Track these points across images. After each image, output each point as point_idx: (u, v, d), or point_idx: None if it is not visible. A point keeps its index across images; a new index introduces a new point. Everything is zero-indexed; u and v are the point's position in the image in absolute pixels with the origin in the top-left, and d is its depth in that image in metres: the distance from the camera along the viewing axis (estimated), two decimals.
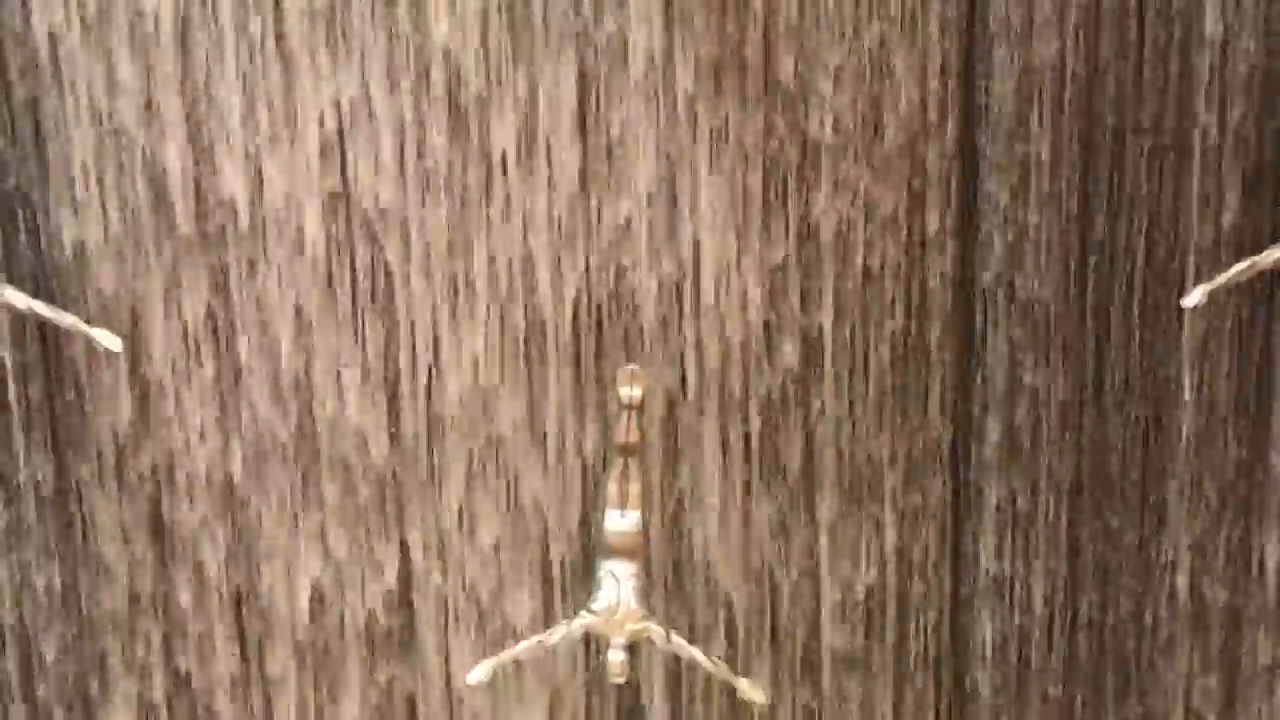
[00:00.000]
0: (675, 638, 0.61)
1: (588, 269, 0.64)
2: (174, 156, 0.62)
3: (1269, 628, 0.67)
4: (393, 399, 0.65)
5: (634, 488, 0.60)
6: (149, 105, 0.61)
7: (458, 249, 0.63)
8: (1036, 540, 0.67)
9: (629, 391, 0.60)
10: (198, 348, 0.64)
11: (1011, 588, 0.67)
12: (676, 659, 0.65)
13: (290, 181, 0.63)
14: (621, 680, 0.59)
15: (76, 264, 0.62)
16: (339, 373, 0.65)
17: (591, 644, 0.66)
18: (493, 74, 0.62)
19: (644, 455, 0.61)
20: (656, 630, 0.60)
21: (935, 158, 0.63)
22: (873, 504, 0.66)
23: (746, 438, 0.65)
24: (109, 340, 0.60)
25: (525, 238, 0.63)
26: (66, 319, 0.60)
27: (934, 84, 0.62)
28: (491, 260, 0.63)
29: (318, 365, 0.64)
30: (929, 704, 0.68)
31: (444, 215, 0.63)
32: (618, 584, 0.59)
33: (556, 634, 0.61)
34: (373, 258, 0.63)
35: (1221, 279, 0.60)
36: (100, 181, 0.62)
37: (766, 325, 0.65)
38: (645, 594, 0.60)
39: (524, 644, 0.62)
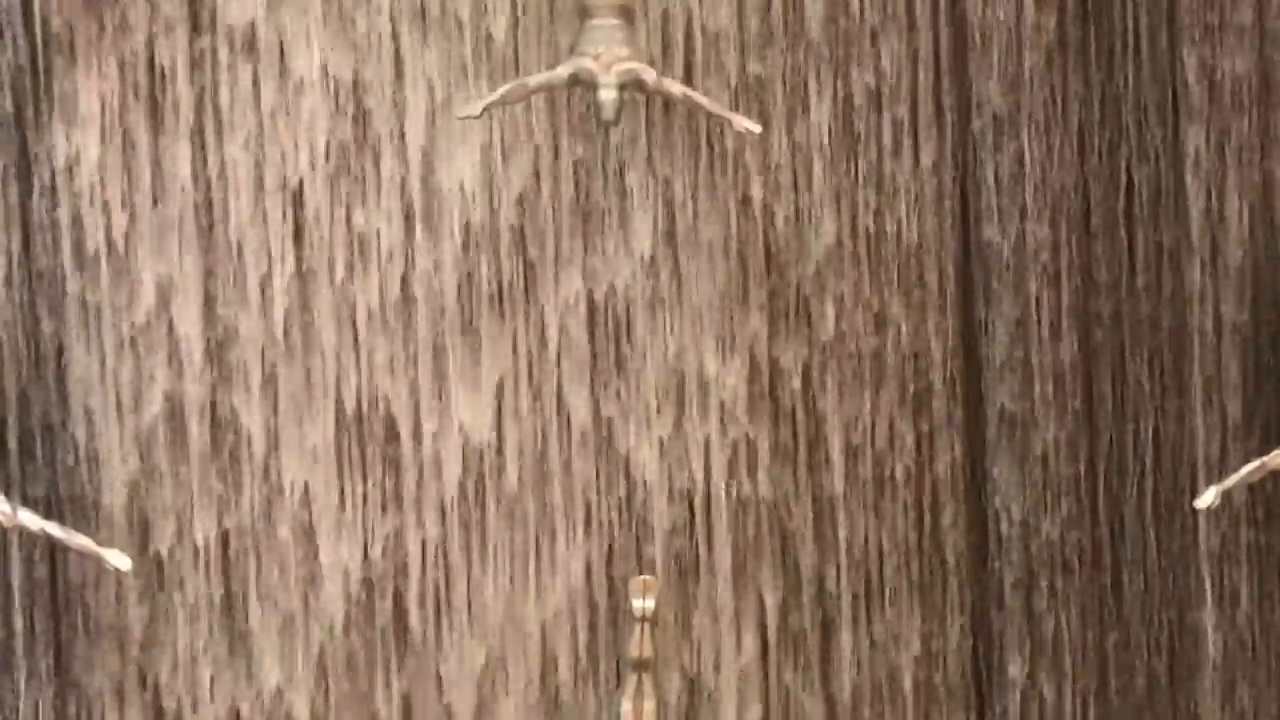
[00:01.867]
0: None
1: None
2: (191, 380, 0.64)
3: None
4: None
5: (648, 705, 0.58)
6: (169, 334, 0.63)
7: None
8: None
9: (641, 603, 0.60)
10: (208, 569, 0.63)
11: None
12: None
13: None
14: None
15: (90, 481, 0.63)
16: (346, 572, 0.63)
17: None
18: None
19: (657, 670, 0.60)
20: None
21: (939, 359, 0.67)
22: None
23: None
24: (118, 560, 0.61)
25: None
26: (78, 540, 0.61)
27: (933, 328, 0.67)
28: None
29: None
30: None
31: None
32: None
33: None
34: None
35: (1232, 480, 0.61)
36: (118, 402, 0.63)
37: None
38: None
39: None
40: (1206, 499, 0.59)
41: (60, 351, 0.62)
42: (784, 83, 0.64)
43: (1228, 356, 0.64)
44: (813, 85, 0.64)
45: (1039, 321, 0.65)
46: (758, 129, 0.61)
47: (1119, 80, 0.64)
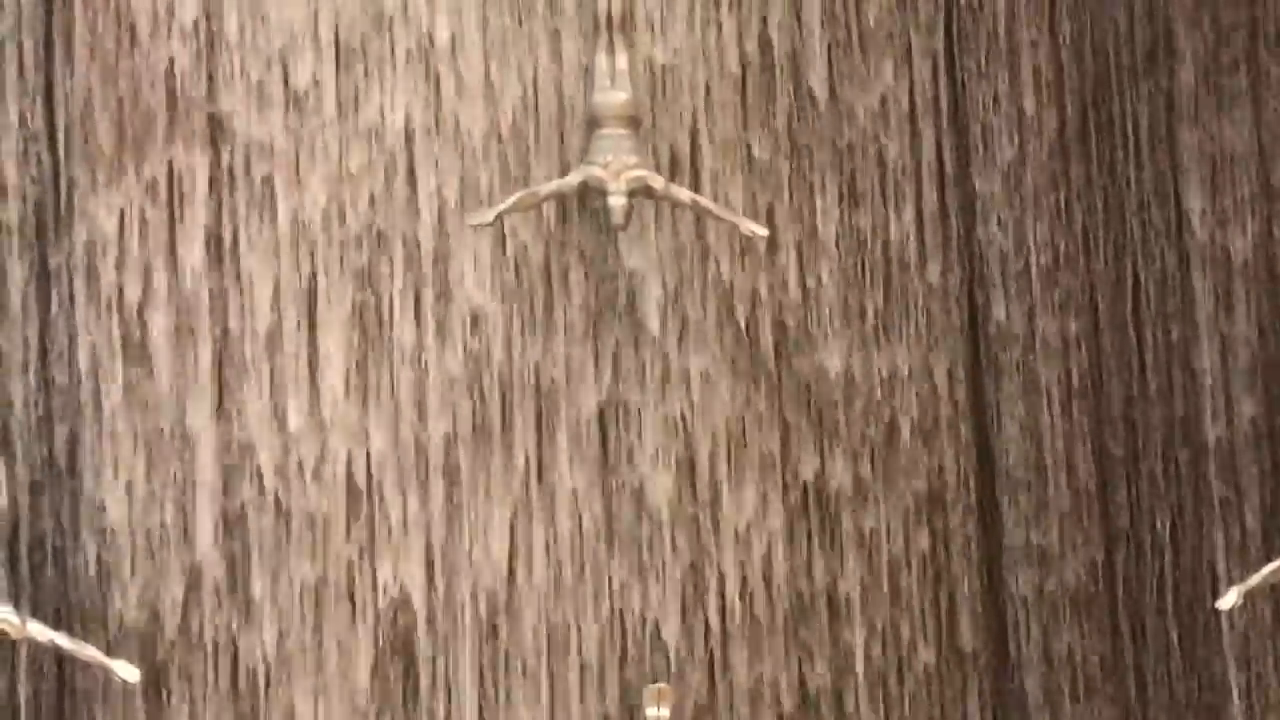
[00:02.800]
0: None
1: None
2: (205, 504, 0.63)
3: None
4: None
5: None
6: (184, 445, 0.63)
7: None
8: None
9: (656, 713, 0.60)
10: (216, 677, 0.62)
11: None
12: None
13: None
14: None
15: (101, 592, 0.62)
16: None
17: None
18: None
19: None
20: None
21: (952, 460, 0.66)
22: None
23: None
24: (127, 672, 0.60)
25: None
26: (87, 651, 0.61)
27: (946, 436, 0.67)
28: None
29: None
30: None
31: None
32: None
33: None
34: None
35: (1254, 580, 0.60)
36: (130, 512, 0.63)
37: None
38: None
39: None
40: (1229, 600, 0.58)
41: (73, 462, 0.62)
42: (789, 189, 0.65)
43: (1243, 454, 0.64)
44: (818, 192, 0.65)
45: (1052, 429, 0.65)
46: (764, 233, 0.62)
47: (1122, 181, 0.65)
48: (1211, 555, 0.64)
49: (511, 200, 0.61)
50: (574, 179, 0.61)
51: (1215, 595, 0.61)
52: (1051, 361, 0.65)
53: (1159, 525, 0.64)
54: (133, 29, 0.62)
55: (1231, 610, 0.59)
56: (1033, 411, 0.65)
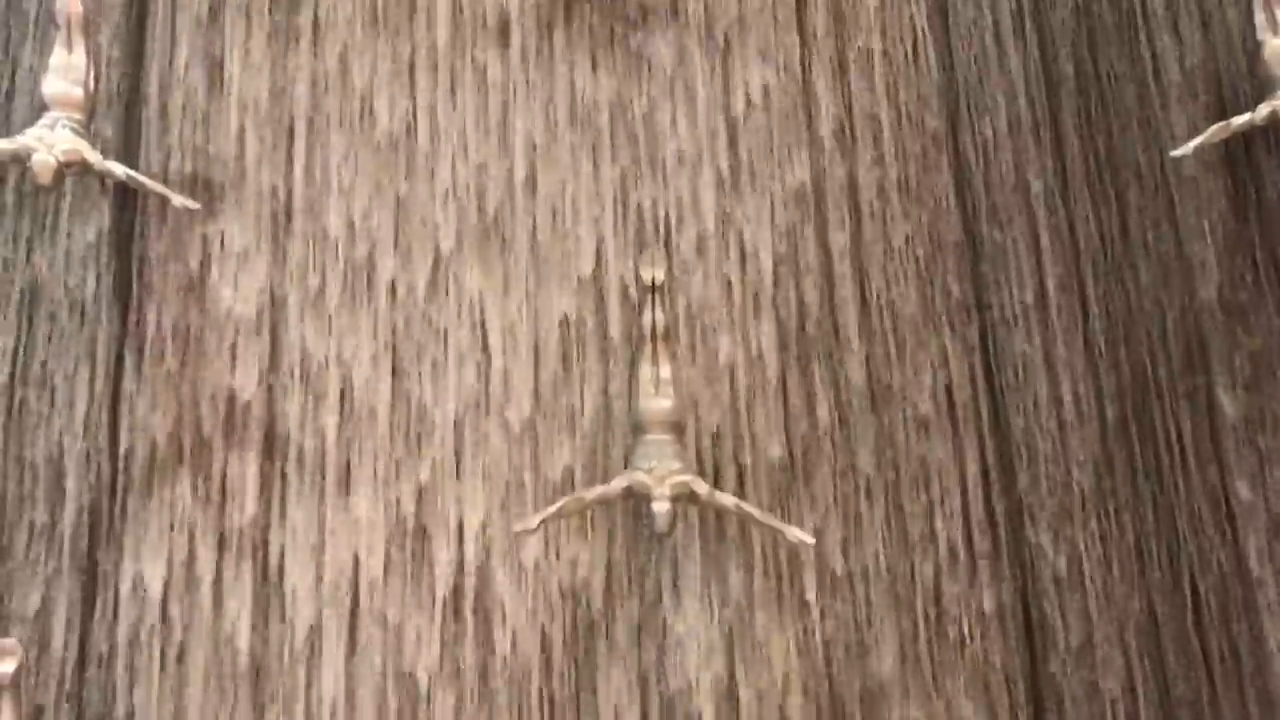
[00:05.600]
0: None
1: None
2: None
3: None
4: None
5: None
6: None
7: None
8: None
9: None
10: None
11: None
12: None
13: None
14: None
15: None
16: None
17: None
18: None
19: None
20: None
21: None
22: None
23: None
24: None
25: None
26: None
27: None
28: None
29: None
30: None
31: None
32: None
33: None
34: None
35: None
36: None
37: None
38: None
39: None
40: None
41: None
42: (836, 498, 0.65)
43: None
44: (864, 501, 0.65)
45: None
46: (811, 540, 0.61)
47: (1170, 488, 0.65)
48: None
49: (556, 506, 0.61)
50: (619, 484, 0.61)
51: None
52: (1111, 684, 0.63)
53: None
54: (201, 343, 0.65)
55: None
56: None
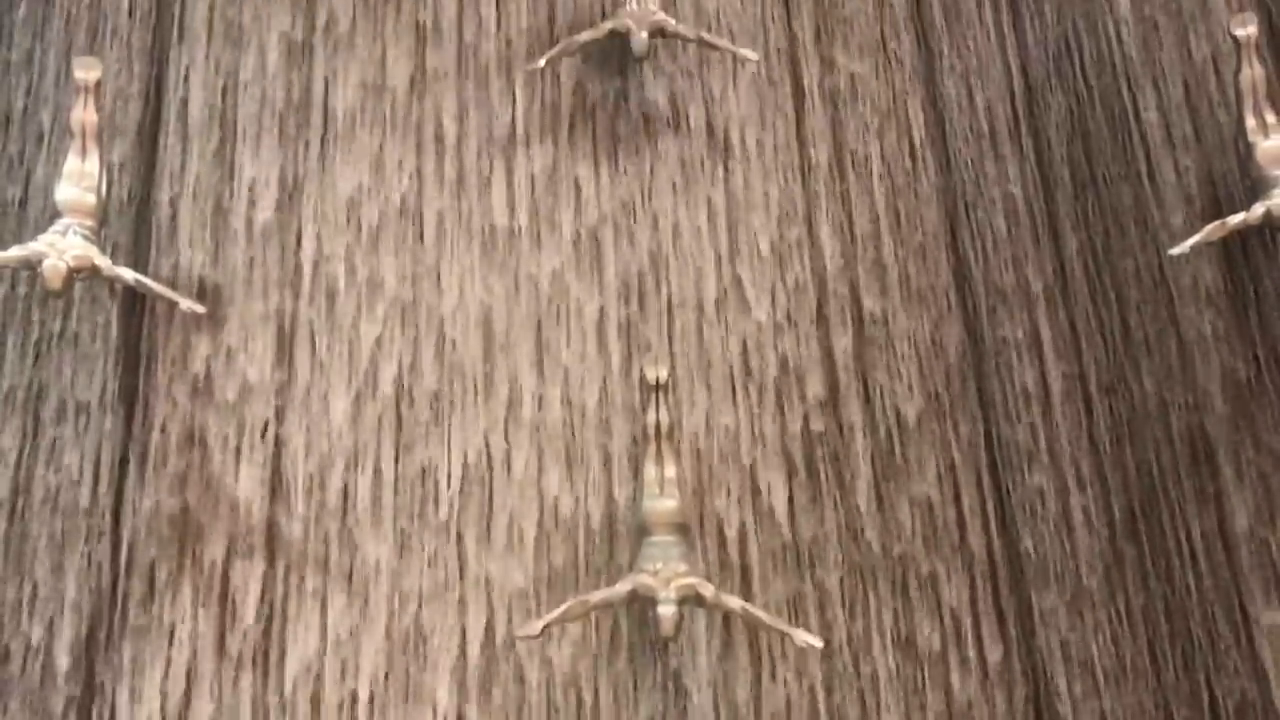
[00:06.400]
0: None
1: None
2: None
3: None
4: None
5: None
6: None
7: None
8: None
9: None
10: None
11: None
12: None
13: None
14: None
15: None
16: None
17: None
18: None
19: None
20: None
21: None
22: None
23: None
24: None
25: None
26: None
27: None
28: None
29: None
30: None
31: None
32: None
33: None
34: None
35: None
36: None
37: None
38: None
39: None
40: None
41: None
42: (843, 598, 0.64)
43: None
44: (871, 600, 0.64)
45: None
46: (819, 644, 0.60)
47: (1181, 589, 0.64)
48: None
49: (560, 610, 0.61)
50: (623, 587, 0.61)
51: None
52: None
53: None
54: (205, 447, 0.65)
55: None
56: None
